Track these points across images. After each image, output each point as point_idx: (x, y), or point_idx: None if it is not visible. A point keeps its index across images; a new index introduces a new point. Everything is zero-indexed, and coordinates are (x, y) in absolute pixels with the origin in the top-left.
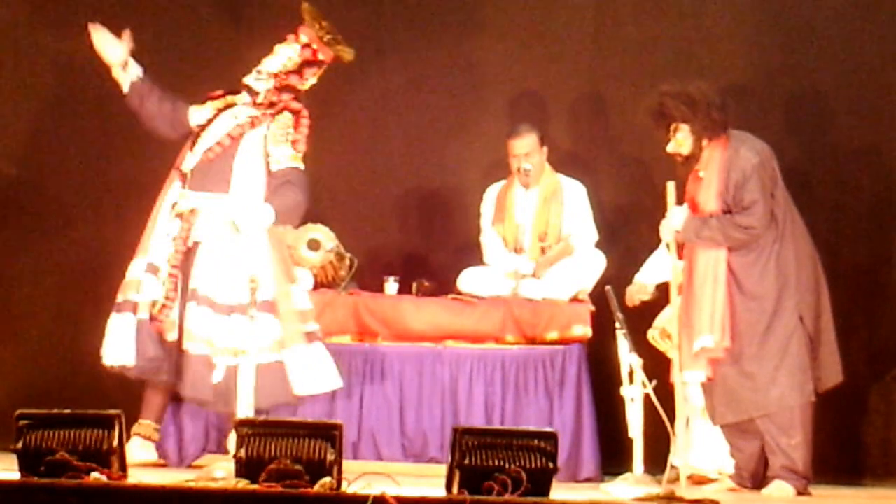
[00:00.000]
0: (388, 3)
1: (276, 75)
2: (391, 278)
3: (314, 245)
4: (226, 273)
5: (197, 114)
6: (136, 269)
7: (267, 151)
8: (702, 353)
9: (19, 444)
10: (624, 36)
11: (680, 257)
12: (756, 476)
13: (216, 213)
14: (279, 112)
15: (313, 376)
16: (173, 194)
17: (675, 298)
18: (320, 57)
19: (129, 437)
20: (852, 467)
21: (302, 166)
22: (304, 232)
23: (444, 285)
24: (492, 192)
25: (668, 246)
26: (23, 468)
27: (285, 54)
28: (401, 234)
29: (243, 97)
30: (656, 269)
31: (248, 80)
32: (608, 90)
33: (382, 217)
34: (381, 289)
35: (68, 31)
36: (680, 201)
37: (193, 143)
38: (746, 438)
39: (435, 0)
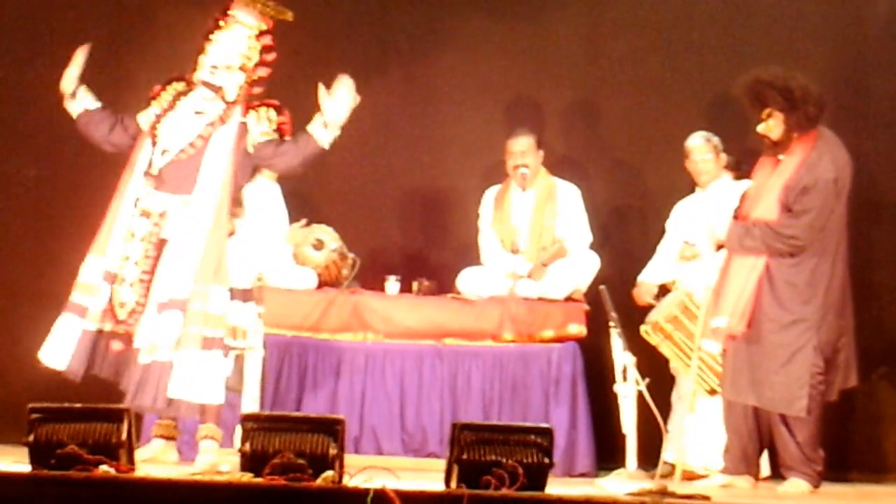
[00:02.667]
0: (392, 14)
1: (243, 69)
2: (392, 277)
3: (318, 245)
4: (185, 270)
5: (145, 117)
6: (92, 272)
7: (247, 144)
8: (718, 330)
9: (31, 438)
10: (615, 47)
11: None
12: (745, 460)
13: (184, 215)
14: (255, 108)
15: (192, 382)
16: (135, 193)
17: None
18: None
19: (139, 433)
20: (840, 464)
21: None
22: (309, 232)
23: (443, 285)
24: (490, 194)
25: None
26: (34, 461)
27: (237, 44)
28: (402, 234)
29: (202, 92)
30: (659, 270)
31: (202, 75)
32: (600, 98)
33: (384, 218)
34: (382, 287)
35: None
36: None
37: (154, 142)
38: (734, 424)
39: (436, 12)
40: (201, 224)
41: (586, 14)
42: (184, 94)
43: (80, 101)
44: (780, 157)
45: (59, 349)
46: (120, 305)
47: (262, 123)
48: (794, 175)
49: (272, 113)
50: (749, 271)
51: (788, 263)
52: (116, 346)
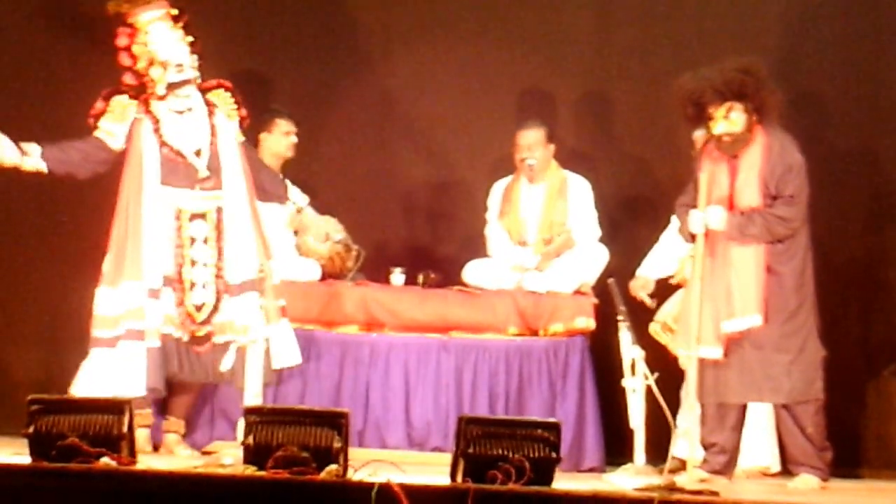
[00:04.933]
0: (397, 1)
1: (193, 51)
2: (397, 269)
3: (323, 236)
4: (236, 253)
5: (113, 140)
6: (134, 298)
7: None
8: (727, 333)
9: (31, 429)
10: (625, 37)
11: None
12: (732, 462)
13: (231, 204)
14: (213, 89)
15: (290, 350)
16: (171, 203)
17: (696, 283)
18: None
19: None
20: (849, 460)
21: None
22: (313, 223)
23: (449, 277)
24: (498, 187)
25: (693, 237)
26: (34, 453)
27: (173, 36)
28: (407, 226)
29: (183, 90)
30: (658, 264)
31: (174, 77)
32: (610, 89)
33: (389, 209)
34: (387, 280)
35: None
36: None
37: (174, 152)
38: (725, 429)
39: (442, 0)
40: (243, 208)
41: (595, 4)
42: (145, 102)
43: (32, 153)
44: (737, 154)
45: (130, 377)
46: (197, 308)
47: (225, 107)
48: (766, 164)
49: (227, 96)
50: (756, 265)
51: (781, 250)
52: (201, 347)
